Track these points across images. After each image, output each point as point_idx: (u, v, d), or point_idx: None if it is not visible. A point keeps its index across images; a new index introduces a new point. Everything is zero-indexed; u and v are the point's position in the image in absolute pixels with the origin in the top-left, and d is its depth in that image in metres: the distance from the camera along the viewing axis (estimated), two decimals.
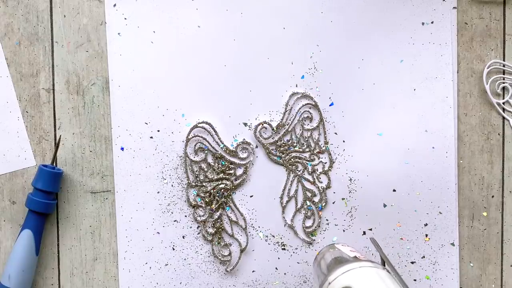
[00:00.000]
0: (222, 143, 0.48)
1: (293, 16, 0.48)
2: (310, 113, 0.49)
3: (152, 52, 0.48)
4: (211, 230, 0.49)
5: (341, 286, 0.31)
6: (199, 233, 0.49)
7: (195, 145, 0.48)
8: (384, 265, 0.34)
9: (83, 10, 0.48)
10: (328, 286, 0.32)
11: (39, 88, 0.48)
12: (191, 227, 0.49)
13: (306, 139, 0.49)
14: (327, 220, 0.49)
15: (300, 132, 0.49)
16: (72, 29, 0.48)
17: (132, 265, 0.49)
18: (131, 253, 0.49)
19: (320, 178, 0.49)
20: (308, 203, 0.49)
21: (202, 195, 0.48)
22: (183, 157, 0.49)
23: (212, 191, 0.48)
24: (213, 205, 0.48)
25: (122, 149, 0.48)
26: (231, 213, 0.49)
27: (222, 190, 0.48)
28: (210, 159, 0.48)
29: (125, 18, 0.48)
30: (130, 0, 0.48)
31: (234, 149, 0.48)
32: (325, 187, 0.49)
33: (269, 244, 0.49)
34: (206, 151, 0.48)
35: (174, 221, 0.49)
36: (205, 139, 0.48)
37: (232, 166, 0.48)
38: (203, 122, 0.48)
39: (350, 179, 0.49)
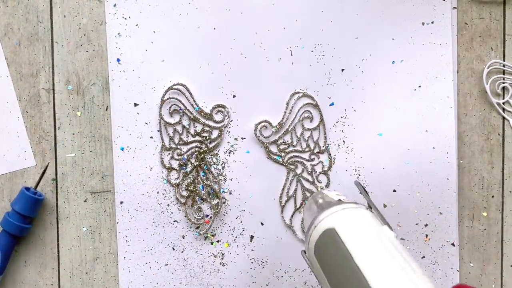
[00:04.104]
0: (197, 106, 0.48)
1: (293, 16, 0.48)
2: (310, 113, 0.49)
3: (152, 52, 0.48)
4: (185, 193, 0.48)
5: (325, 228, 0.32)
6: (177, 203, 0.49)
7: (170, 107, 0.48)
8: (370, 208, 0.35)
9: (83, 10, 0.48)
10: (314, 229, 0.33)
11: (39, 88, 0.48)
12: (191, 227, 0.49)
13: (306, 139, 0.49)
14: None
15: (300, 132, 0.49)
16: (72, 29, 0.48)
17: (132, 265, 0.49)
18: (131, 253, 0.49)
19: (319, 178, 0.49)
20: (307, 202, 0.49)
21: (177, 157, 0.48)
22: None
23: (186, 154, 0.48)
24: (188, 168, 0.48)
25: (122, 149, 0.48)
26: (204, 176, 0.49)
27: (197, 153, 0.48)
28: (185, 122, 0.48)
29: (125, 18, 0.48)
30: (130, 0, 0.48)
31: (209, 112, 0.48)
32: (324, 187, 0.49)
33: (268, 244, 0.49)
34: (181, 114, 0.48)
35: (174, 221, 0.49)
36: (180, 101, 0.48)
37: (207, 128, 0.48)
38: (178, 84, 0.48)
39: (350, 180, 0.49)
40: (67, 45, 0.48)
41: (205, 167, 0.49)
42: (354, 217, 0.32)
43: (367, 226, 0.31)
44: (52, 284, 0.49)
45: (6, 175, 0.49)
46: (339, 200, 0.36)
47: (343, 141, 0.49)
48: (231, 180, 0.49)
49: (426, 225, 0.49)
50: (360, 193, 0.37)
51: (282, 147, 0.49)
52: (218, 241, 0.49)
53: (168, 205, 0.49)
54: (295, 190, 0.49)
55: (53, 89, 0.48)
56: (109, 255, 0.49)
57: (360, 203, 0.35)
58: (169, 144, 0.48)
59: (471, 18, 0.49)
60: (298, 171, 0.49)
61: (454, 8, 0.49)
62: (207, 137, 0.48)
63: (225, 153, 0.49)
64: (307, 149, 0.49)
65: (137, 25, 0.48)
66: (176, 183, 0.49)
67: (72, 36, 0.48)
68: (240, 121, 0.49)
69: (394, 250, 0.29)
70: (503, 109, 0.50)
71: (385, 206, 0.49)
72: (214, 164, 0.49)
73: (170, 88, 0.48)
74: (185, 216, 0.49)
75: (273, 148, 0.49)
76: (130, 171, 0.48)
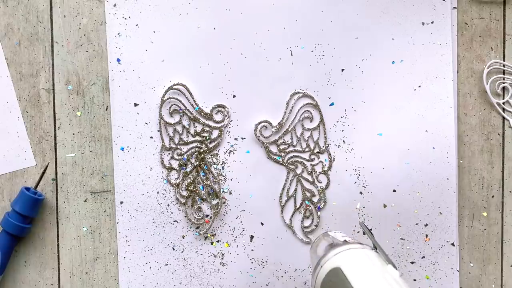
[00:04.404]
0: (197, 106, 0.48)
1: (293, 16, 0.48)
2: (310, 113, 0.49)
3: (152, 52, 0.48)
4: (185, 193, 0.48)
5: (331, 268, 0.33)
6: (177, 203, 0.49)
7: (170, 107, 0.48)
8: (376, 248, 0.35)
9: (83, 10, 0.48)
10: (320, 269, 0.34)
11: (39, 88, 0.48)
12: (191, 227, 0.49)
13: (306, 139, 0.49)
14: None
15: (300, 132, 0.49)
16: (72, 29, 0.48)
17: (132, 265, 0.49)
18: (131, 253, 0.49)
19: (319, 178, 0.49)
20: (307, 202, 0.49)
21: (177, 157, 0.48)
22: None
23: (186, 154, 0.48)
24: (188, 168, 0.48)
25: (122, 149, 0.48)
26: (204, 176, 0.49)
27: (197, 153, 0.48)
28: (185, 122, 0.48)
29: (125, 18, 0.48)
30: (130, 0, 0.48)
31: (209, 112, 0.48)
32: (324, 187, 0.49)
33: (268, 244, 0.49)
34: (181, 114, 0.48)
35: (174, 221, 0.49)
36: (180, 101, 0.48)
37: (207, 129, 0.48)
38: (178, 84, 0.48)
39: (350, 180, 0.49)
40: (67, 45, 0.48)
41: (205, 167, 0.49)
42: (359, 257, 0.33)
43: (372, 265, 0.32)
44: (52, 284, 0.49)
45: (6, 175, 0.49)
46: (345, 241, 0.37)
47: (343, 141, 0.49)
48: (231, 180, 0.49)
49: (426, 225, 0.49)
50: (364, 233, 0.37)
51: (282, 147, 0.49)
52: (218, 241, 0.49)
53: (168, 205, 0.49)
54: (295, 190, 0.49)
55: (53, 89, 0.48)
56: (109, 255, 0.49)
57: (364, 243, 0.35)
58: (169, 144, 0.48)
59: (471, 18, 0.49)
60: (298, 171, 0.49)
61: (454, 8, 0.49)
62: (207, 137, 0.48)
63: (225, 153, 0.49)
64: (307, 149, 0.49)
65: (137, 25, 0.48)
66: (176, 183, 0.49)
67: (72, 36, 0.48)
68: (240, 121, 0.49)
69: None
70: (503, 109, 0.50)
71: (385, 206, 0.49)
72: (214, 164, 0.49)
73: (170, 88, 0.48)
74: (185, 216, 0.49)
75: (273, 148, 0.49)
76: (130, 171, 0.48)
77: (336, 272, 0.32)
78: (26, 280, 0.49)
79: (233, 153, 0.49)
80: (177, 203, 0.49)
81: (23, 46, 0.48)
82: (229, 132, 0.49)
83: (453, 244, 0.49)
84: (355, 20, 0.48)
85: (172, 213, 0.49)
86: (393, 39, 0.49)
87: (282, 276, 0.49)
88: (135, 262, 0.49)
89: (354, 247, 0.34)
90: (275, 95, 0.49)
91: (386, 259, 0.33)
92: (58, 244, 0.49)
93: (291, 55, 0.48)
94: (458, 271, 0.49)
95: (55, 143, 0.48)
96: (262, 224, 0.49)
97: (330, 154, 0.49)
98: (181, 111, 0.48)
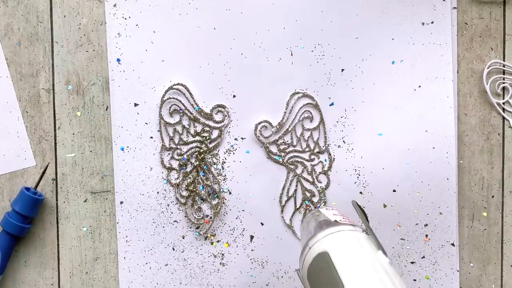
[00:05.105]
0: (197, 106, 0.48)
1: (293, 16, 0.48)
2: (310, 113, 0.49)
3: (152, 52, 0.48)
4: (184, 193, 0.48)
5: (318, 252, 0.32)
6: (177, 203, 0.49)
7: (170, 107, 0.48)
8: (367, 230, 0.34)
9: (83, 10, 0.48)
10: (309, 251, 0.33)
11: (39, 88, 0.48)
12: (191, 227, 0.49)
13: (306, 139, 0.49)
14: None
15: (300, 132, 0.49)
16: (72, 29, 0.48)
17: (132, 265, 0.49)
18: (131, 253, 0.49)
19: (319, 178, 0.49)
20: (307, 203, 0.49)
21: (177, 157, 0.48)
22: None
23: (186, 154, 0.48)
24: (188, 168, 0.48)
25: (122, 149, 0.48)
26: (204, 176, 0.49)
27: (197, 153, 0.48)
28: (185, 122, 0.48)
29: (125, 18, 0.48)
30: (130, 0, 0.48)
31: (209, 112, 0.48)
32: (324, 187, 0.49)
33: (268, 244, 0.49)
34: (181, 114, 0.48)
35: (174, 221, 0.49)
36: (180, 101, 0.48)
37: (207, 129, 0.48)
38: (178, 84, 0.48)
39: (350, 180, 0.49)
40: (67, 45, 0.48)
41: (205, 167, 0.49)
42: (348, 241, 0.32)
43: (361, 251, 0.31)
44: (52, 284, 0.49)
45: (6, 175, 0.49)
46: (335, 221, 0.35)
47: (343, 141, 0.49)
48: (231, 180, 0.49)
49: (426, 225, 0.49)
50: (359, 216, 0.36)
51: (282, 147, 0.49)
52: (218, 241, 0.49)
53: (168, 205, 0.49)
54: (295, 190, 0.49)
55: (53, 89, 0.48)
56: (109, 255, 0.49)
57: (356, 224, 0.34)
58: (169, 144, 0.48)
59: (471, 18, 0.49)
60: (298, 171, 0.49)
61: (454, 8, 0.49)
62: (207, 137, 0.48)
63: (225, 153, 0.49)
64: (307, 149, 0.49)
65: (137, 25, 0.48)
66: (176, 183, 0.49)
67: (72, 36, 0.48)
68: (240, 121, 0.49)
69: (387, 279, 0.29)
70: (503, 109, 0.50)
71: (385, 206, 0.49)
72: (214, 164, 0.49)
73: (170, 88, 0.48)
74: (185, 216, 0.49)
75: (273, 148, 0.49)
76: (130, 171, 0.48)
77: (323, 257, 0.31)
78: (26, 280, 0.49)
79: (233, 153, 0.49)
80: (177, 203, 0.49)
81: (23, 46, 0.48)
82: (229, 132, 0.49)
83: (453, 244, 0.49)
84: (355, 20, 0.48)
85: (172, 213, 0.49)
86: (393, 39, 0.49)
87: (282, 276, 0.49)
88: (135, 262, 0.49)
89: (344, 229, 0.33)
90: (275, 95, 0.49)
91: (376, 244, 0.32)
92: (58, 244, 0.49)
93: (291, 55, 0.48)
94: (458, 271, 0.49)
95: (55, 143, 0.48)
96: (262, 224, 0.49)
97: (330, 154, 0.49)
98: (181, 111, 0.48)
